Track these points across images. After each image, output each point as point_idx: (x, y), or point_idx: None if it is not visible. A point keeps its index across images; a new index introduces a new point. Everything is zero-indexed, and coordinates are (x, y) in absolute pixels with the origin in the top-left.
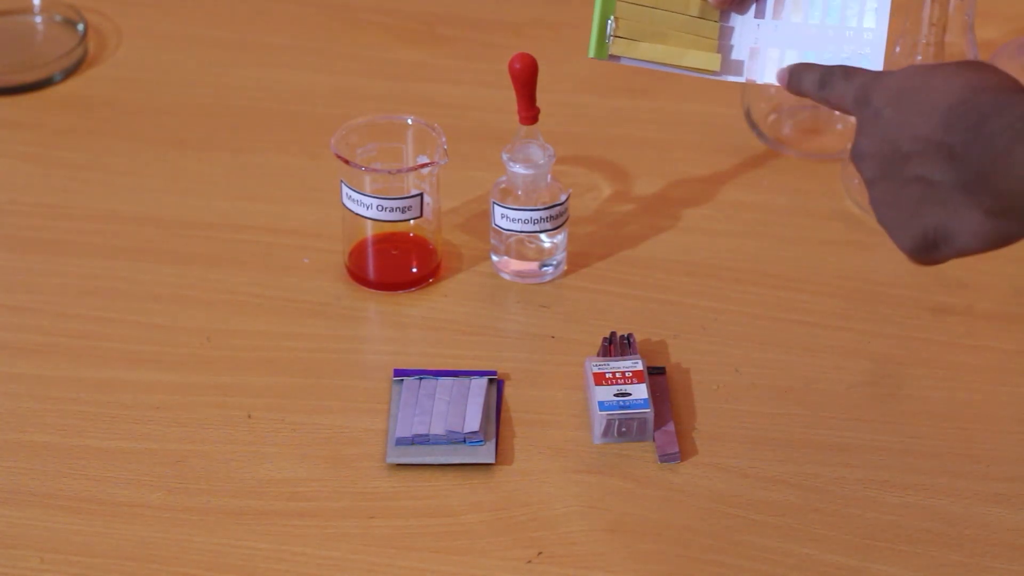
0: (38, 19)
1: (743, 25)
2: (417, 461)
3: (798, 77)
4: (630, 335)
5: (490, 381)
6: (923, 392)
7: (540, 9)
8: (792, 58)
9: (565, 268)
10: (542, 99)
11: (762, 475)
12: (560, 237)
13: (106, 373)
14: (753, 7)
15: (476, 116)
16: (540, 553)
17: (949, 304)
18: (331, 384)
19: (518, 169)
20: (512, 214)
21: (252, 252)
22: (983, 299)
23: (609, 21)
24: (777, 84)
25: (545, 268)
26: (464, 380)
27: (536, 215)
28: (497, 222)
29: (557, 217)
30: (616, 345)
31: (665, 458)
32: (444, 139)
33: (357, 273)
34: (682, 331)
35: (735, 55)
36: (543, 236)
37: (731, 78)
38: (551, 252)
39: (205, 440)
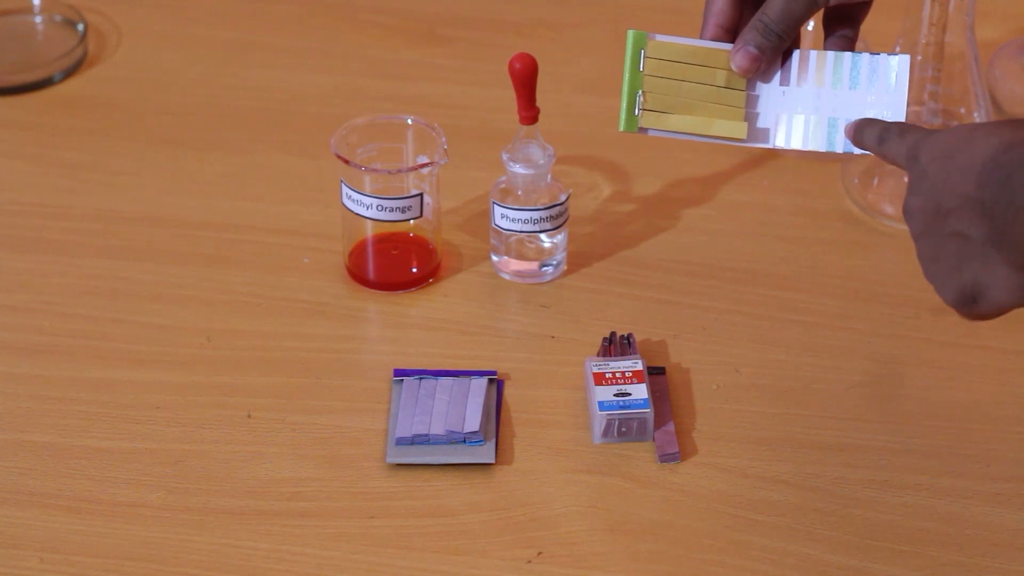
0: (38, 19)
1: (768, 93)
2: (417, 461)
3: (861, 132)
4: (630, 335)
5: (490, 381)
6: (923, 392)
7: (540, 9)
8: (816, 123)
9: (565, 268)
10: (542, 99)
11: (762, 475)
12: (560, 237)
13: (106, 373)
14: (778, 75)
15: (476, 116)
16: (540, 553)
17: None
18: (331, 384)
19: (518, 169)
20: (512, 214)
21: (252, 252)
22: None
23: (638, 95)
24: (807, 149)
25: (545, 268)
26: (464, 380)
27: (536, 215)
28: (497, 222)
29: (557, 217)
30: (616, 345)
31: (665, 458)
32: (444, 139)
33: (357, 273)
34: (682, 331)
35: (761, 123)
36: (543, 236)
37: (759, 145)
38: (551, 252)
39: (205, 440)
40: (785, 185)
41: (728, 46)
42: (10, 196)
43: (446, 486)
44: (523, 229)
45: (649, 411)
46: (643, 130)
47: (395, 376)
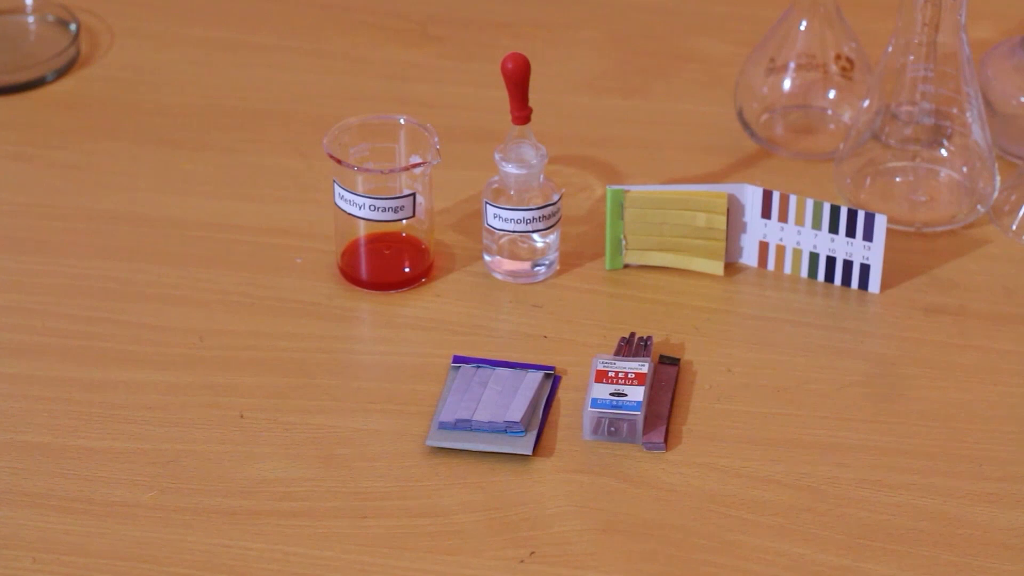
0: (30, 19)
1: (752, 223)
2: (456, 446)
3: None
4: (648, 338)
5: (545, 376)
6: (916, 392)
7: (533, 9)
8: (799, 255)
9: (558, 268)
10: (534, 99)
11: (755, 475)
12: (553, 237)
13: (98, 373)
14: (759, 208)
15: (469, 116)
16: (532, 553)
17: (941, 304)
18: (323, 384)
19: (510, 169)
20: (505, 214)
21: (245, 252)
22: (975, 299)
23: (620, 240)
24: None
25: (538, 268)
26: (520, 372)
27: (529, 215)
28: (490, 222)
29: (550, 217)
30: (632, 347)
31: (649, 446)
32: (437, 139)
33: (350, 273)
34: (674, 331)
35: (745, 257)
36: (536, 236)
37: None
38: (544, 252)
39: (197, 440)
40: (777, 184)
41: (704, 187)
42: (2, 196)
43: (439, 486)
44: (516, 229)
45: (639, 414)
46: (628, 265)
47: (453, 362)
